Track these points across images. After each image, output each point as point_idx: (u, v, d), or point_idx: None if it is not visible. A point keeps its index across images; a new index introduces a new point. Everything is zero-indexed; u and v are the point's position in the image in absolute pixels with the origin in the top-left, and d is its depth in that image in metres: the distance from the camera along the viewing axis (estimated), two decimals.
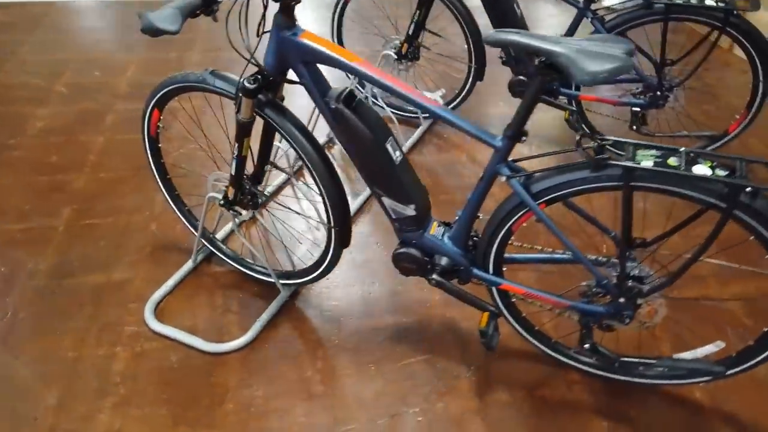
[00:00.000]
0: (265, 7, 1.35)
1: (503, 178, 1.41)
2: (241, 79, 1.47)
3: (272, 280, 1.93)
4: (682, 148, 1.27)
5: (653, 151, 1.28)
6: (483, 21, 2.56)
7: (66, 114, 2.95)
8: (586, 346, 1.54)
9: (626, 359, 1.57)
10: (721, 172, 1.22)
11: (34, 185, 2.44)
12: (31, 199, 2.36)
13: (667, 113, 2.50)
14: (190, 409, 1.63)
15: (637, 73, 2.35)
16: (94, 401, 1.64)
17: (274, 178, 2.43)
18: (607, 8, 2.37)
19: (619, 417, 1.64)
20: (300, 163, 2.48)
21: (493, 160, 1.42)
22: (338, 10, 2.80)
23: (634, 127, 2.47)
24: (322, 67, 1.49)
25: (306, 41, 1.40)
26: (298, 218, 2.24)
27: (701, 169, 1.23)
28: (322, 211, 1.69)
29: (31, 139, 2.74)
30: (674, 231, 1.42)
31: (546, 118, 2.98)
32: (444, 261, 1.63)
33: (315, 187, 1.65)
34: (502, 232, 1.51)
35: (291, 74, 1.51)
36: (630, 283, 1.43)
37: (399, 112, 2.88)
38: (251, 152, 1.67)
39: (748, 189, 1.19)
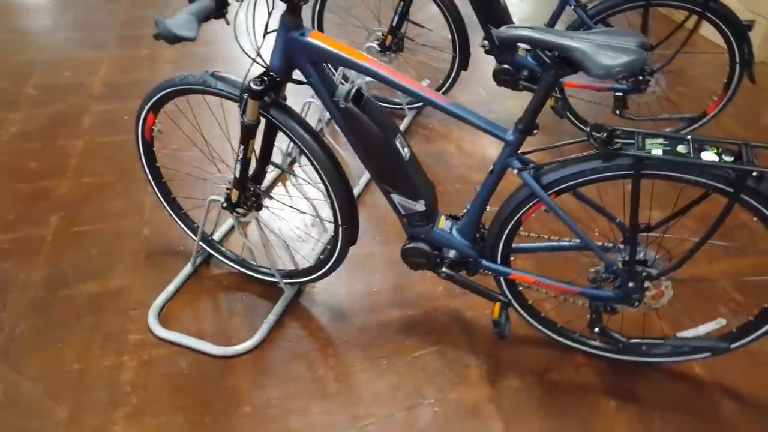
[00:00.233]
0: (271, 8, 1.34)
1: (514, 171, 1.43)
2: (247, 81, 1.45)
3: (275, 279, 1.92)
4: (689, 136, 1.31)
5: (661, 140, 1.32)
6: (464, 10, 2.58)
7: (39, 117, 2.85)
8: (597, 329, 1.59)
9: (634, 341, 1.62)
10: (727, 158, 1.27)
11: (16, 193, 2.36)
12: (14, 208, 2.29)
13: (647, 97, 2.56)
14: (206, 415, 1.62)
15: None
16: (106, 413, 1.61)
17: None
18: None
19: (626, 395, 1.70)
20: (289, 159, 2.48)
21: (503, 154, 1.44)
22: (318, 1, 2.77)
23: (617, 112, 2.53)
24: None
25: (315, 41, 1.39)
26: (296, 216, 2.23)
27: (709, 156, 1.27)
28: (326, 208, 1.68)
29: (6, 144, 2.65)
30: (677, 215, 1.47)
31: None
32: (452, 254, 1.65)
33: (320, 185, 1.64)
34: (512, 223, 1.53)
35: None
36: (639, 267, 1.48)
37: (384, 105, 2.88)
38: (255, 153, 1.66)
39: (755, 173, 1.24)
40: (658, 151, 1.29)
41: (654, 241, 1.53)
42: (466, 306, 1.95)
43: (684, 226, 1.55)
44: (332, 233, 1.73)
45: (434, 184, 1.66)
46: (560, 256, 1.92)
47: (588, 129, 1.33)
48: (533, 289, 1.68)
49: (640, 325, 1.82)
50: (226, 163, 2.12)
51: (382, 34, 2.67)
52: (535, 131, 1.39)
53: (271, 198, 1.79)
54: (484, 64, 2.92)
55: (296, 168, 2.49)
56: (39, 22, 3.85)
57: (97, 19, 3.91)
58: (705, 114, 2.58)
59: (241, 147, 1.59)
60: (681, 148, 1.29)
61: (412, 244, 1.66)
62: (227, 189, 1.75)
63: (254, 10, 1.35)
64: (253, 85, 1.44)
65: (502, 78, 2.64)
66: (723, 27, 2.28)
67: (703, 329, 1.60)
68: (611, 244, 1.56)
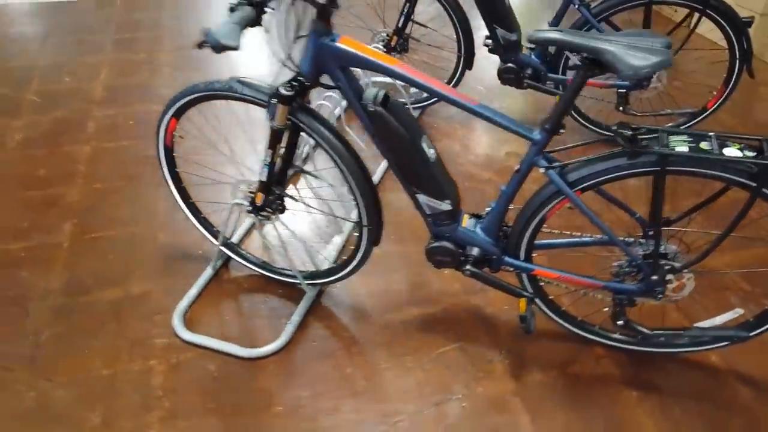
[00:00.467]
0: (302, 15, 1.36)
1: (541, 170, 1.47)
2: (278, 86, 1.47)
3: (296, 281, 1.94)
4: (711, 133, 1.36)
5: (684, 137, 1.37)
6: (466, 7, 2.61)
7: (42, 123, 2.84)
8: (620, 322, 1.63)
9: (656, 332, 1.67)
10: (749, 153, 1.31)
11: (27, 201, 2.35)
12: (27, 216, 2.28)
13: (649, 93, 2.62)
14: (238, 416, 1.64)
15: None
16: (139, 417, 1.62)
17: None
18: None
19: (646, 386, 1.75)
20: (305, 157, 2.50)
21: (530, 153, 1.47)
22: None
23: (621, 108, 2.58)
24: None
25: (345, 47, 1.42)
26: (312, 217, 2.24)
27: (732, 152, 1.32)
28: (341, 208, 1.71)
29: (12, 152, 2.63)
30: (697, 209, 1.52)
31: (539, 101, 3.08)
32: (476, 251, 1.68)
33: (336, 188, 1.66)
34: (536, 220, 1.57)
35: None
36: (661, 261, 1.53)
37: None
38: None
39: None
40: (683, 148, 1.33)
41: (674, 235, 1.58)
42: (485, 302, 1.98)
43: (693, 221, 1.60)
44: (348, 233, 1.75)
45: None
46: (572, 252, 1.96)
47: (614, 127, 1.37)
48: (553, 284, 1.72)
49: (653, 317, 1.87)
50: (246, 167, 2.13)
51: (387, 35, 2.70)
52: (562, 131, 1.43)
53: (295, 200, 1.81)
54: (482, 62, 2.95)
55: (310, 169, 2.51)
56: (33, 28, 3.82)
57: (91, 23, 3.89)
58: (705, 109, 2.65)
59: (269, 152, 1.61)
60: (704, 145, 1.34)
61: (437, 243, 1.69)
62: (251, 192, 1.77)
63: (285, 17, 1.37)
64: (283, 90, 1.46)
65: (506, 77, 2.68)
66: (723, 24, 2.34)
67: (720, 319, 1.66)
68: (632, 239, 1.60)
